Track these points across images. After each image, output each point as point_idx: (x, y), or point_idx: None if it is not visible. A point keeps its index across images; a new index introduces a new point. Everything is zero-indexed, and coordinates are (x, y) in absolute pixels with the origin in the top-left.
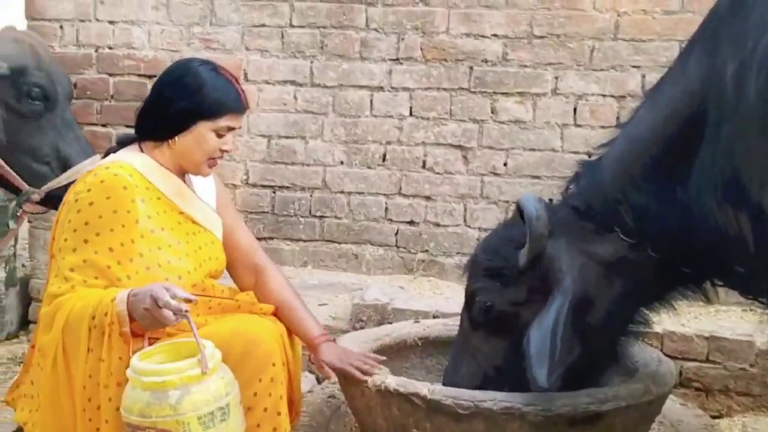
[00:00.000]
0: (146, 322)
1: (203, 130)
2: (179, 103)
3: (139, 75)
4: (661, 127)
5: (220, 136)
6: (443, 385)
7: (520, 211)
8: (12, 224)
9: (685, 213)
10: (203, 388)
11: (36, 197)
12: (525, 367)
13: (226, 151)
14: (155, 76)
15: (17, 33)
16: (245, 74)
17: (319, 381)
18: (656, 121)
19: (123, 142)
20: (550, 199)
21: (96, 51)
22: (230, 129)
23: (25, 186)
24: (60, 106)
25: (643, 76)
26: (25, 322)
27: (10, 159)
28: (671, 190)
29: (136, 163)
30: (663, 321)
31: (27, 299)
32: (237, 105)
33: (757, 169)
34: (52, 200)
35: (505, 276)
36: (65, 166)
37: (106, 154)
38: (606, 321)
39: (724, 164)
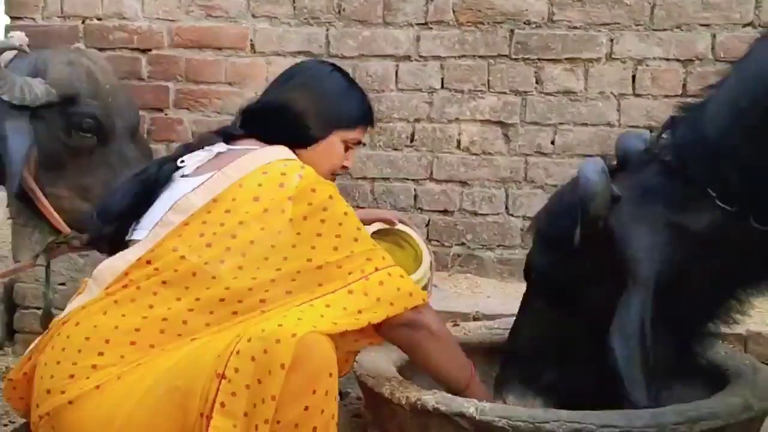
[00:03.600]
0: None
1: (335, 139)
2: (318, 111)
3: (132, 49)
4: None
5: (347, 149)
6: (504, 352)
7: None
8: (41, 259)
9: None
10: None
11: (76, 243)
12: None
13: (347, 167)
14: (149, 50)
15: (74, 55)
16: (252, 45)
17: (341, 396)
18: None
19: (227, 134)
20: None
21: (83, 23)
22: (358, 142)
23: (66, 229)
24: (117, 141)
25: (714, 36)
26: (10, 332)
27: (55, 196)
28: None
29: None
30: (745, 321)
31: (11, 307)
32: (370, 117)
33: None
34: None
35: (565, 243)
36: None
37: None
38: (692, 306)
39: None
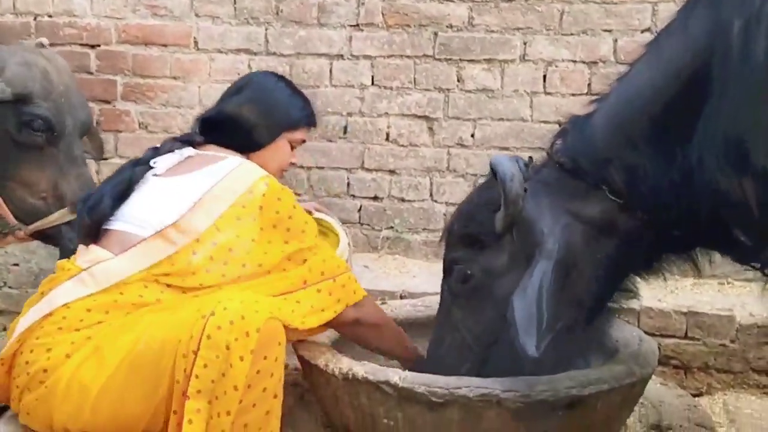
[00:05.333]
0: None
1: (283, 141)
2: (268, 117)
3: (81, 44)
4: (662, 84)
5: (292, 148)
6: (427, 359)
7: (493, 172)
8: None
9: (684, 175)
10: None
11: (20, 234)
12: (511, 337)
13: (293, 164)
14: (98, 46)
15: (31, 55)
16: (195, 42)
17: None
18: (656, 78)
19: (189, 141)
20: (530, 157)
21: (35, 19)
22: (302, 141)
23: (12, 221)
24: (66, 140)
25: (615, 41)
26: None
27: (2, 188)
28: (669, 150)
29: None
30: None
31: None
32: (313, 119)
33: (765, 134)
34: (42, 235)
35: (483, 242)
36: (61, 203)
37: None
38: (591, 286)
39: (728, 126)
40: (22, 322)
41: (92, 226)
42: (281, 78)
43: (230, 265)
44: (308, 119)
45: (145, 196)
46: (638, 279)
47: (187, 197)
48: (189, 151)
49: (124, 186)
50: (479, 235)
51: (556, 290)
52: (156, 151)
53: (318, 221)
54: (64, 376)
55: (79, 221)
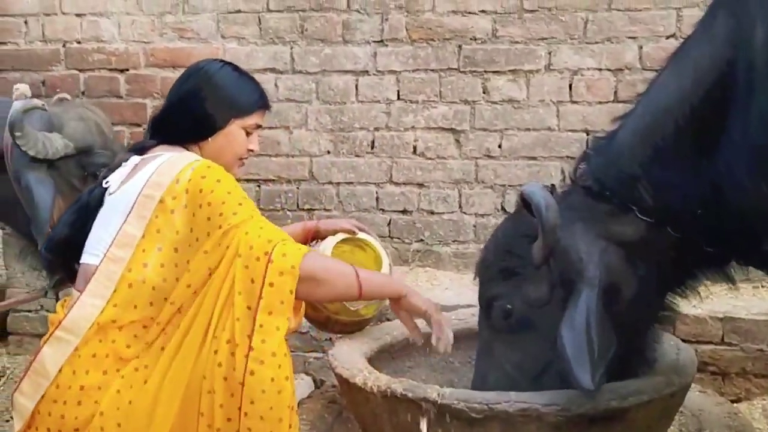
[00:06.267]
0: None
1: (234, 128)
2: (214, 103)
3: (110, 69)
4: (688, 96)
5: (248, 134)
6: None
7: (524, 202)
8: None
9: (712, 188)
10: None
11: None
12: (563, 371)
13: (252, 150)
14: (127, 70)
15: (82, 110)
16: None
17: (317, 385)
18: (682, 89)
19: (140, 148)
20: (552, 185)
21: (64, 46)
22: (257, 126)
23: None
24: None
25: (641, 48)
26: (2, 335)
27: None
28: (697, 163)
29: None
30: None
31: (4, 311)
32: (265, 102)
33: None
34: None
35: (521, 275)
36: None
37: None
38: (636, 309)
39: (757, 133)
40: (21, 402)
41: (56, 261)
42: (227, 63)
43: (180, 268)
44: (259, 102)
45: (99, 219)
46: (677, 296)
47: (122, 208)
48: (135, 159)
49: (81, 213)
50: (516, 267)
51: (603, 317)
52: (110, 170)
53: (359, 241)
54: None
55: (43, 258)
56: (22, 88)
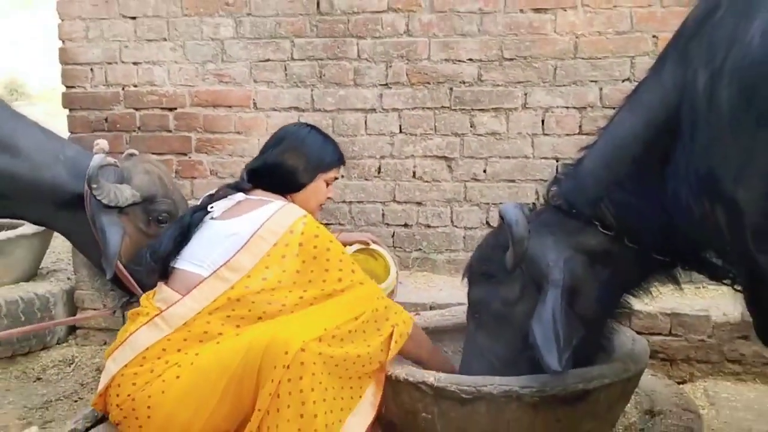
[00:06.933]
0: None
1: (320, 181)
2: (306, 163)
3: (161, 108)
4: (641, 132)
5: (327, 185)
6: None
7: (502, 218)
8: (118, 312)
9: (662, 208)
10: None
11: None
12: (536, 358)
13: (330, 198)
14: (175, 109)
15: (148, 165)
16: (254, 103)
17: None
18: (636, 126)
19: (239, 188)
20: (533, 203)
21: (123, 89)
22: (335, 178)
23: (139, 292)
24: None
25: (601, 89)
26: (72, 329)
27: (132, 271)
28: (650, 187)
29: None
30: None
31: (73, 309)
32: (343, 159)
33: (731, 168)
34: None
35: (499, 278)
36: None
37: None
38: (594, 306)
39: (699, 163)
40: (111, 366)
41: (155, 267)
42: (312, 127)
43: (277, 294)
44: (339, 160)
45: (204, 236)
46: (632, 296)
47: (237, 240)
48: (239, 196)
49: (183, 230)
50: (494, 272)
51: (567, 313)
52: (211, 198)
53: (371, 251)
54: (152, 401)
55: (144, 264)
56: (102, 143)
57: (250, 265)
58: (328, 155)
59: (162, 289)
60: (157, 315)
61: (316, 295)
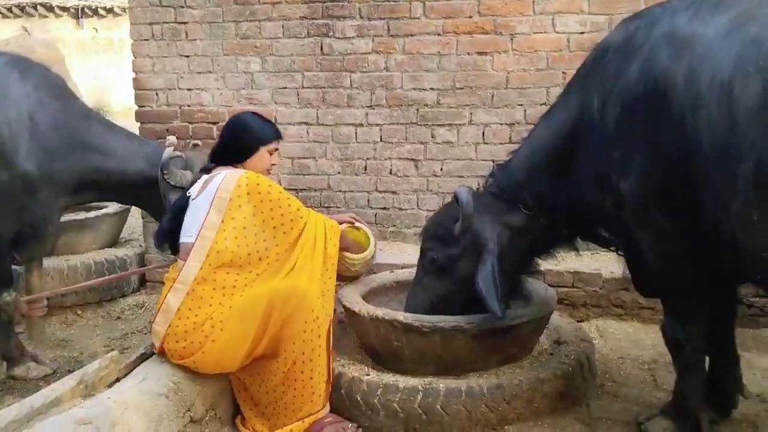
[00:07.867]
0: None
1: (263, 152)
2: (250, 137)
3: (207, 122)
4: (552, 140)
5: (270, 155)
6: (405, 309)
7: (456, 198)
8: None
9: (568, 195)
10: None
11: None
12: (464, 300)
13: (274, 164)
14: (218, 123)
15: (204, 156)
16: (275, 119)
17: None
18: (549, 137)
19: (206, 169)
20: (477, 188)
21: (180, 108)
22: (275, 149)
23: None
24: None
25: (525, 111)
26: (143, 282)
27: None
28: (560, 179)
29: None
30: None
31: (144, 265)
32: (279, 133)
33: (616, 169)
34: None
35: (446, 239)
36: None
37: (205, 171)
38: (519, 266)
39: (594, 164)
40: (157, 329)
41: (163, 244)
42: (252, 113)
43: (249, 238)
44: (276, 134)
45: (188, 215)
46: (545, 259)
47: (206, 206)
48: (204, 177)
49: (177, 212)
50: (444, 235)
51: (501, 272)
52: (191, 183)
53: (356, 228)
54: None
55: (156, 242)
56: (171, 139)
57: (219, 220)
58: (267, 132)
59: (177, 261)
60: (176, 281)
61: (287, 248)
